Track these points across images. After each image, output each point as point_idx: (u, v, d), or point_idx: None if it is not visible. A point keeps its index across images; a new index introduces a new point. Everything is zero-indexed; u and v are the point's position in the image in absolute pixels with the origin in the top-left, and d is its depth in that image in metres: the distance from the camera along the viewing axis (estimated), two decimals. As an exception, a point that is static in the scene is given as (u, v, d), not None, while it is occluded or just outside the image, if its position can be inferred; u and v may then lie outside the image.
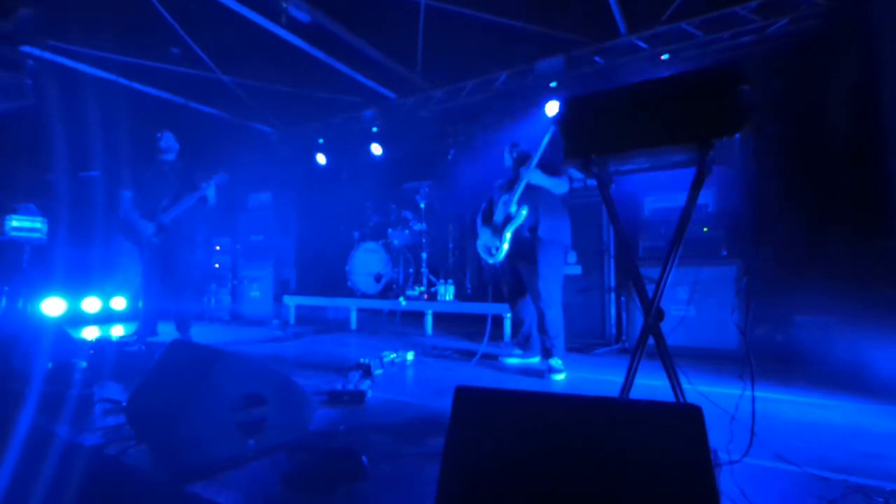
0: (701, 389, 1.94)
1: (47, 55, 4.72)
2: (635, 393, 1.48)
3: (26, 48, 4.58)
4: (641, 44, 4.35)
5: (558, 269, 3.11)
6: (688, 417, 0.92)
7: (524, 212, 3.09)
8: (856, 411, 2.25)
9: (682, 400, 1.43)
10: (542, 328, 3.04)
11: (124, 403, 1.96)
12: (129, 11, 4.15)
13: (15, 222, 4.54)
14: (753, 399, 1.48)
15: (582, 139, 1.63)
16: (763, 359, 3.23)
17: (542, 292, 3.00)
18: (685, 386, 1.58)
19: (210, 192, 3.88)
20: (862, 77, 3.32)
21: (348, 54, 4.89)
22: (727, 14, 3.97)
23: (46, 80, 4.78)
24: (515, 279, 3.28)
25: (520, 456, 0.97)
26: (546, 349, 3.05)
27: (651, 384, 2.46)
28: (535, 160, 3.07)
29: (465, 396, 1.11)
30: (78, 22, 4.34)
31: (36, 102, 4.71)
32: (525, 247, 3.09)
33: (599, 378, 2.95)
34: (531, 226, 3.10)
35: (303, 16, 4.14)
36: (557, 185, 3.09)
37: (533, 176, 3.05)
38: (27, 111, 4.71)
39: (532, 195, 3.10)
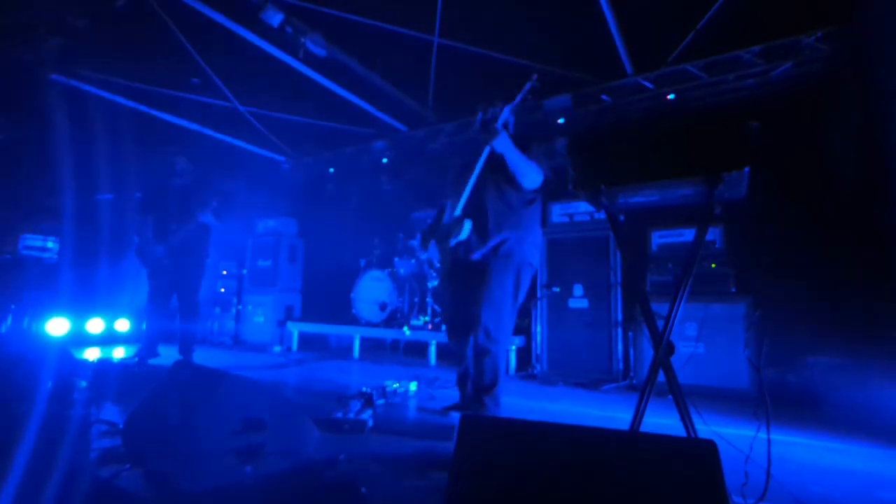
0: (713, 429, 1.88)
1: (73, 83, 4.90)
2: (645, 431, 1.44)
3: (54, 75, 4.78)
4: (647, 84, 4.46)
5: (513, 299, 2.31)
6: (702, 453, 0.89)
7: (466, 227, 2.29)
8: (874, 456, 2.17)
9: (694, 436, 1.38)
10: (479, 369, 2.27)
11: (121, 425, 1.92)
12: (153, 42, 4.34)
13: (29, 241, 4.61)
14: (769, 440, 1.43)
15: (592, 171, 1.65)
16: (775, 400, 3.10)
17: (486, 322, 2.20)
18: (698, 425, 1.54)
19: (208, 218, 3.95)
20: (866, 120, 3.37)
21: (362, 87, 5.04)
22: (731, 57, 4.07)
23: (68, 104, 4.96)
24: (453, 304, 2.53)
25: (527, 488, 0.94)
26: (477, 399, 2.30)
27: (661, 422, 2.39)
28: (504, 116, 2.28)
29: (471, 425, 1.09)
30: (104, 52, 4.53)
31: (56, 125, 4.87)
32: (467, 264, 2.35)
33: (607, 415, 2.87)
34: (480, 231, 2.33)
35: (319, 51, 4.31)
36: (526, 171, 2.23)
37: (499, 143, 2.19)
38: (46, 133, 4.87)
39: (487, 185, 2.33)
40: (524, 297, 2.42)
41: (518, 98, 2.32)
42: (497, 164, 2.30)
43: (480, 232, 2.34)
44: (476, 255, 2.34)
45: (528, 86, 2.31)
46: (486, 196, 2.37)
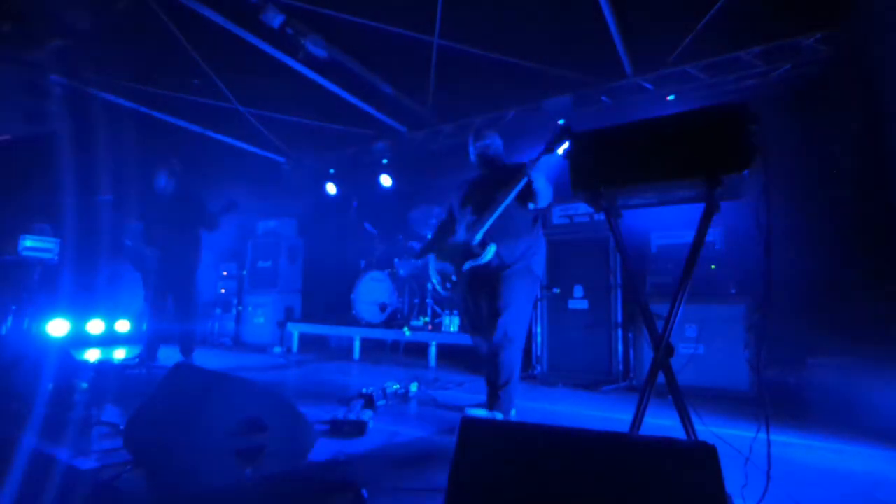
0: (713, 430, 1.88)
1: (74, 84, 4.91)
2: (644, 433, 1.44)
3: (55, 77, 4.79)
4: (647, 85, 4.46)
5: (528, 303, 2.58)
6: (702, 456, 0.89)
7: (491, 251, 2.48)
8: (875, 458, 2.17)
9: (694, 438, 1.38)
10: (495, 366, 2.49)
11: (122, 427, 1.93)
12: (155, 45, 4.34)
13: (29, 242, 4.61)
14: (769, 441, 1.43)
15: (591, 172, 1.65)
16: (775, 401, 3.10)
17: (505, 322, 2.45)
18: (697, 426, 1.54)
19: (202, 230, 4.07)
20: (866, 121, 3.37)
21: (362, 89, 5.05)
22: (731, 59, 4.08)
23: (70, 106, 4.96)
24: (476, 312, 2.73)
25: (526, 490, 0.94)
26: (492, 394, 2.51)
27: (660, 423, 2.39)
28: (541, 158, 2.39)
29: (471, 428, 1.09)
30: (105, 53, 4.54)
31: (57, 127, 4.88)
32: (486, 273, 2.55)
33: (606, 416, 2.87)
34: (502, 249, 2.53)
35: (320, 52, 4.32)
36: (547, 192, 2.47)
37: (538, 179, 2.39)
38: (47, 134, 4.87)
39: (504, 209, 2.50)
40: (531, 304, 2.69)
41: (555, 146, 2.37)
42: (512, 187, 2.47)
43: (502, 249, 2.55)
44: (496, 268, 2.54)
45: (557, 130, 2.34)
46: (504, 216, 2.52)
